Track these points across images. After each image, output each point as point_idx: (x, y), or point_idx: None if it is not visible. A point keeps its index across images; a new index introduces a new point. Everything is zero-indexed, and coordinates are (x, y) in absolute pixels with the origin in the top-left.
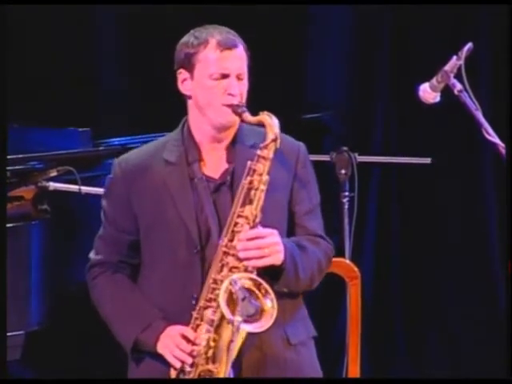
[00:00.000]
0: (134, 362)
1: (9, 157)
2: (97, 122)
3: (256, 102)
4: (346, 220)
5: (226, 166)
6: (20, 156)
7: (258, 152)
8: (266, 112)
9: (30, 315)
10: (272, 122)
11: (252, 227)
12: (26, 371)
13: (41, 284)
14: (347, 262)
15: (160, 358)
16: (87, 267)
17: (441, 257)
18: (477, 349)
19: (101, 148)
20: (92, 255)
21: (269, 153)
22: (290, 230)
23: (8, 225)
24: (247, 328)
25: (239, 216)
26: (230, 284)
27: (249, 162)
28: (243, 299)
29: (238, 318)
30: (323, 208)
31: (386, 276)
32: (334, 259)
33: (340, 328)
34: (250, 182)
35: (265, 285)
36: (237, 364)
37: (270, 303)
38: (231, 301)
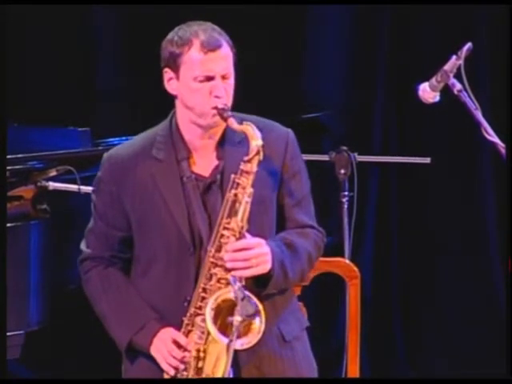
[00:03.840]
0: (129, 361)
1: (8, 156)
2: (96, 122)
3: (255, 101)
4: (346, 220)
5: (215, 163)
6: (19, 155)
7: (242, 166)
8: (249, 122)
9: (30, 315)
10: (254, 134)
11: (238, 238)
12: (26, 371)
13: (40, 284)
14: (346, 261)
15: (154, 358)
16: (79, 260)
17: (440, 256)
18: (476, 349)
19: (100, 147)
20: (83, 247)
21: (252, 166)
22: (279, 223)
23: (7, 224)
24: (235, 345)
25: (225, 228)
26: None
27: (232, 176)
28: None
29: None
30: (323, 208)
31: (385, 276)
32: (333, 259)
33: (339, 328)
34: (235, 195)
35: (253, 298)
36: (234, 364)
37: (258, 319)
38: (219, 316)
